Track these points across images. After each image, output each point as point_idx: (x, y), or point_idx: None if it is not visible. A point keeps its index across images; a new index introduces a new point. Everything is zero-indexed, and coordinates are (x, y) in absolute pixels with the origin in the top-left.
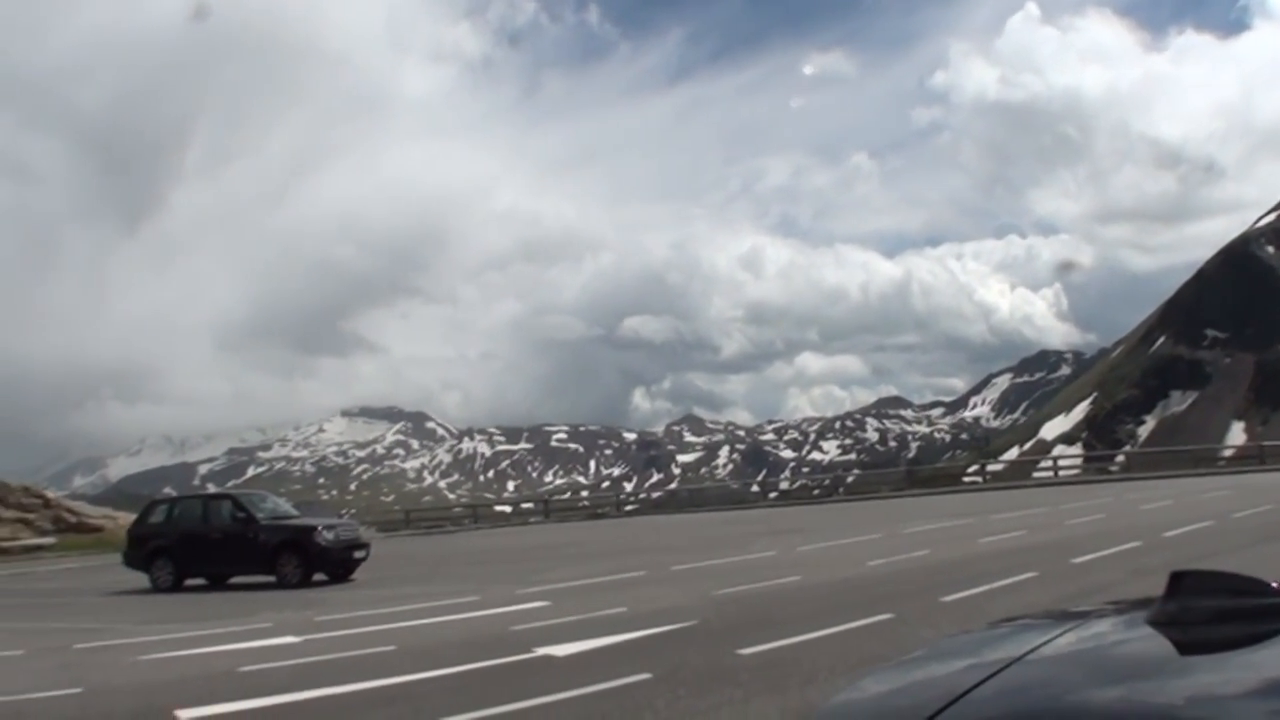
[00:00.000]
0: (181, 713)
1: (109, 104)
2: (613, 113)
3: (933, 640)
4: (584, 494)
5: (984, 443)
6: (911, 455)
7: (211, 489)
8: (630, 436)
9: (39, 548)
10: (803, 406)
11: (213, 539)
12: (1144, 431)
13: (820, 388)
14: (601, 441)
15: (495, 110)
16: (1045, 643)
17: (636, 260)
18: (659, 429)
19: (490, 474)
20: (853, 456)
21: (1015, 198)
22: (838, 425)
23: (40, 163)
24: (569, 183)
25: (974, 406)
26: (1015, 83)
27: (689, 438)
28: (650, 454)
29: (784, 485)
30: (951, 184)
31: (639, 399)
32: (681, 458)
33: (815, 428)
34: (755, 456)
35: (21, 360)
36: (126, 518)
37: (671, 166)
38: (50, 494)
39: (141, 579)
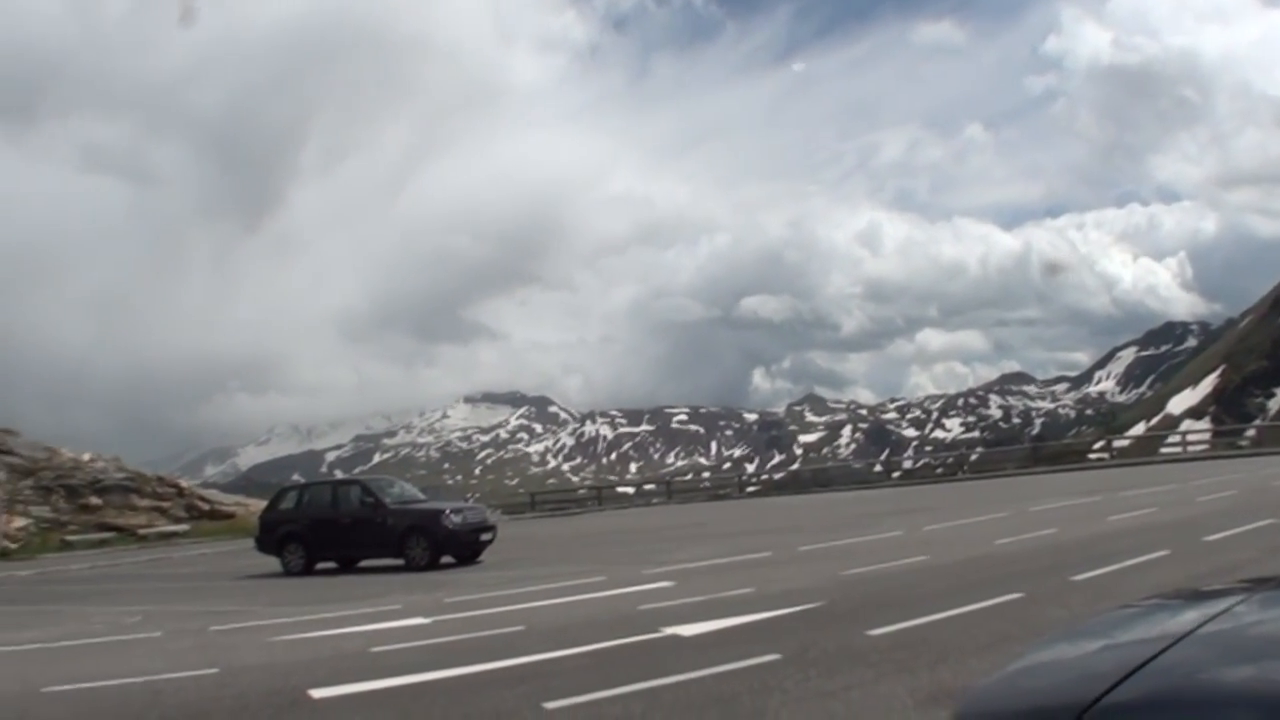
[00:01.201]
0: (315, 692)
1: (228, 106)
2: (723, 93)
3: (1076, 620)
4: (705, 475)
5: (1109, 418)
6: (1035, 432)
7: (339, 475)
8: (751, 417)
9: (174, 534)
10: (924, 384)
11: (342, 524)
12: (1275, 405)
13: (942, 364)
14: (722, 422)
15: (605, 96)
16: (1198, 624)
17: (753, 240)
18: (780, 409)
19: (612, 456)
20: (976, 434)
21: (1135, 164)
22: (960, 402)
23: (164, 165)
24: (682, 165)
25: (1098, 381)
26: (1129, 45)
27: (810, 417)
28: (772, 434)
29: (907, 464)
30: (1069, 152)
31: (759, 379)
32: (803, 438)
33: (938, 405)
34: (878, 435)
35: (153, 355)
36: (257, 505)
37: (784, 144)
38: (184, 483)
39: (273, 563)
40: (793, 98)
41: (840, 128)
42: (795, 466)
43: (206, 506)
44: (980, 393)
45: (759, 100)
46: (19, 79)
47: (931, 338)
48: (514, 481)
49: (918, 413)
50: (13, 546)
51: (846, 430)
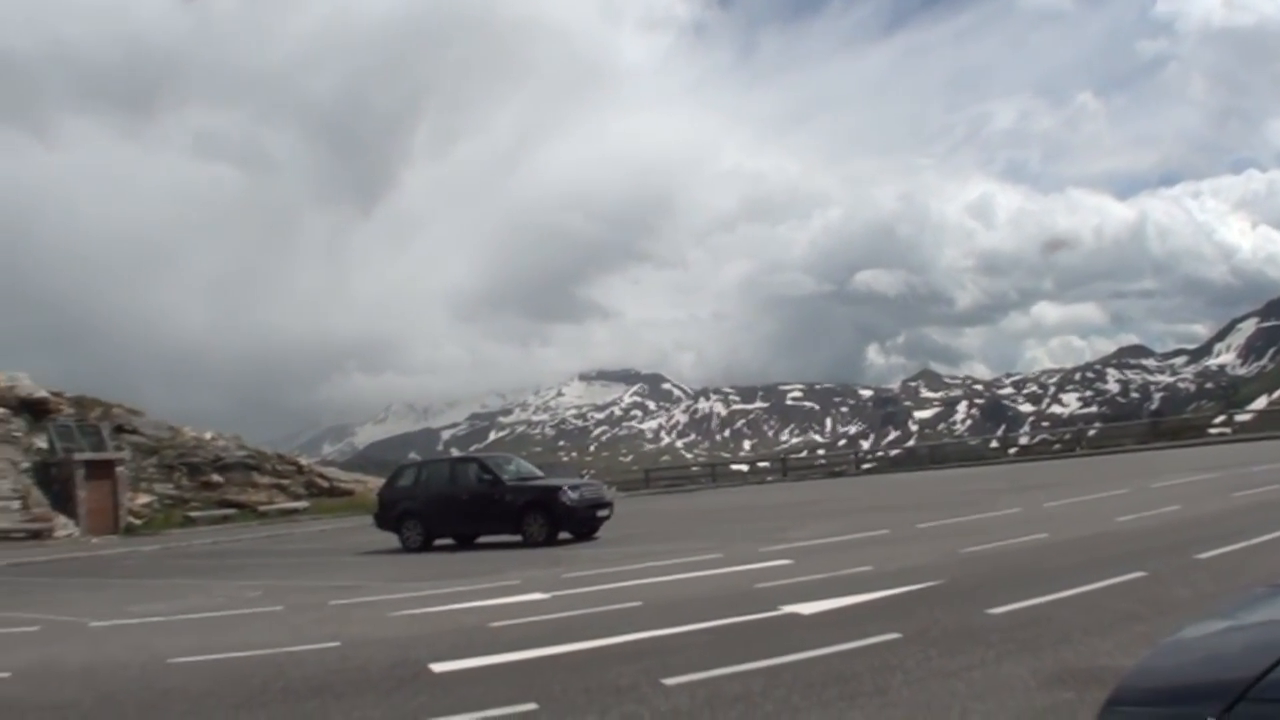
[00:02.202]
0: (435, 666)
1: (340, 91)
2: (830, 66)
3: (1225, 598)
4: (820, 452)
5: (1231, 391)
6: (1154, 407)
7: (455, 453)
8: (866, 393)
9: (294, 511)
10: (1040, 358)
11: (460, 500)
12: None
13: (1058, 338)
14: (837, 399)
15: (713, 73)
16: None
17: (864, 213)
18: (895, 385)
19: (726, 433)
20: (1093, 409)
21: (1252, 130)
22: (1077, 377)
23: (278, 152)
24: (791, 139)
25: (1218, 354)
26: (1242, 6)
27: (925, 393)
28: (886, 411)
29: (1023, 440)
30: (1183, 119)
31: (873, 355)
32: (918, 414)
33: (1054, 380)
34: (994, 411)
35: (271, 336)
36: (375, 482)
37: (894, 117)
38: (303, 461)
39: (392, 539)
40: (901, 69)
41: (949, 99)
42: (911, 443)
43: (326, 484)
44: (1097, 367)
45: (867, 72)
46: (135, 72)
47: (1047, 311)
48: (628, 458)
49: (1034, 388)
50: (137, 522)
51: (962, 406)
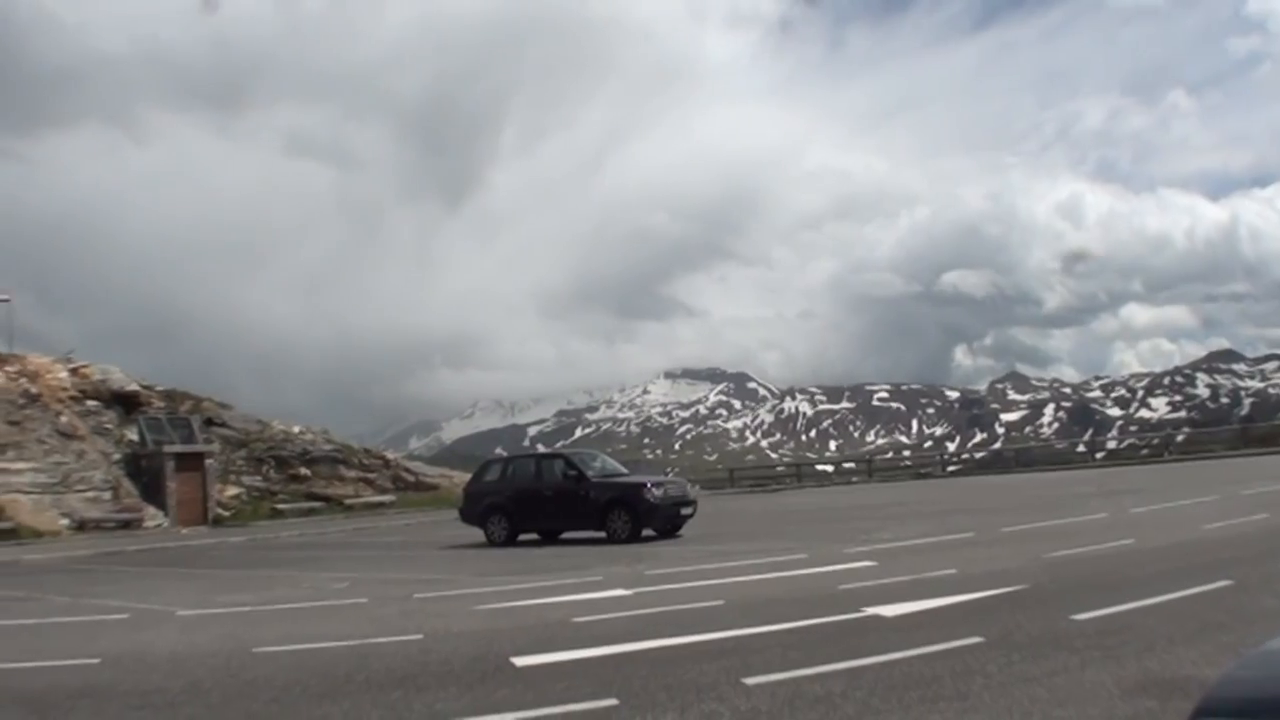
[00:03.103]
0: (518, 660)
1: (427, 89)
2: (918, 64)
3: None
4: (906, 454)
5: None
6: (1245, 412)
7: (540, 449)
8: (953, 395)
9: (380, 505)
10: (1129, 361)
11: (545, 496)
12: None
13: (1147, 341)
14: (923, 400)
15: (799, 70)
16: None
17: (952, 213)
18: (982, 387)
19: (812, 433)
20: (1182, 414)
21: None
22: (1166, 381)
23: (366, 149)
24: (878, 137)
25: None
26: None
27: (1013, 395)
28: (973, 413)
29: (1111, 445)
30: (1276, 118)
31: (960, 356)
32: (1005, 416)
33: (1143, 384)
34: (1081, 415)
35: (359, 333)
36: (461, 477)
37: (982, 115)
38: (390, 455)
39: (477, 534)
40: (989, 67)
41: (1039, 96)
42: (997, 446)
43: (412, 478)
44: (1187, 371)
45: (955, 70)
46: (226, 71)
47: (1136, 313)
48: (713, 457)
49: (1122, 391)
50: (225, 514)
51: (1049, 409)
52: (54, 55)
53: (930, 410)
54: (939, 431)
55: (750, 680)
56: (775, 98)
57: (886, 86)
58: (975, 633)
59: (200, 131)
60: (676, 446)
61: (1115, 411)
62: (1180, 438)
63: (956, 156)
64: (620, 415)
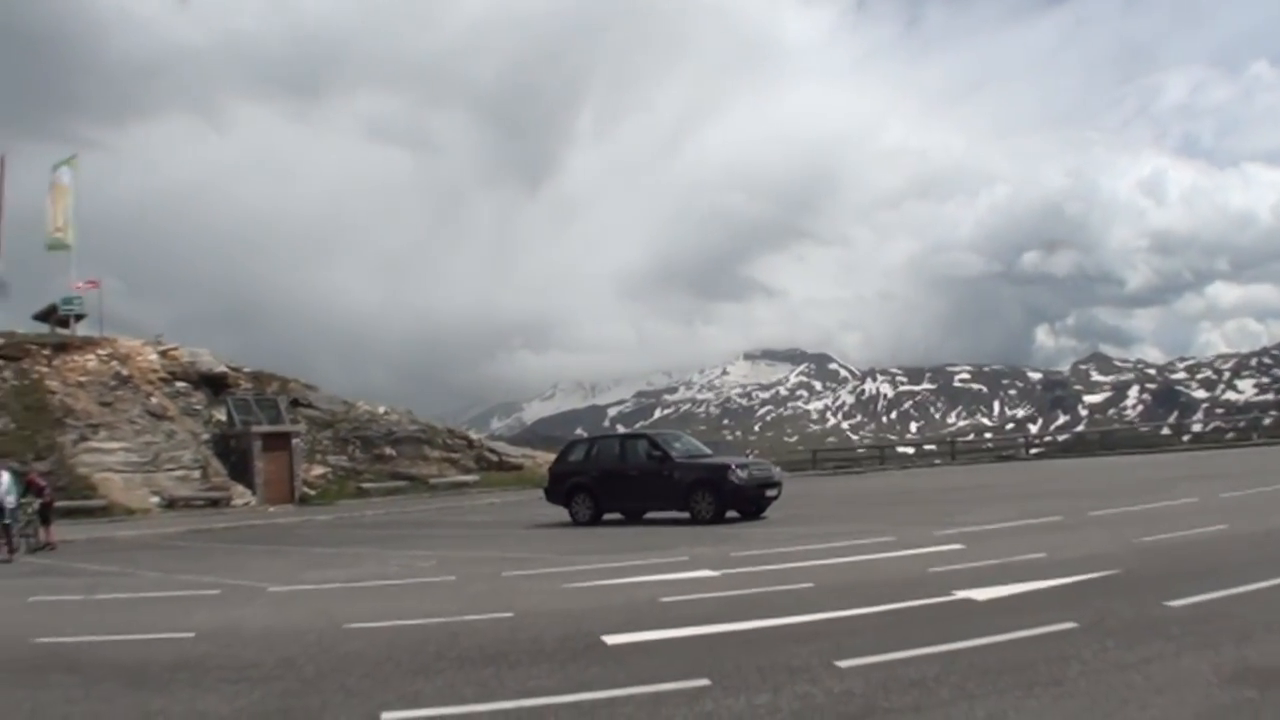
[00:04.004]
0: (608, 638)
1: (504, 74)
2: (996, 39)
3: None
4: (988, 436)
5: None
6: None
7: (622, 430)
8: (1035, 376)
9: (464, 484)
10: (1215, 342)
11: (630, 476)
12: None
13: (1234, 321)
14: (1005, 381)
15: (876, 48)
16: None
17: (1032, 191)
18: (1064, 368)
19: (893, 415)
20: (1270, 396)
21: None
22: (1254, 362)
23: (445, 134)
24: (956, 115)
25: None
26: None
27: (1096, 377)
28: (1055, 394)
29: (1196, 428)
30: None
31: (1042, 336)
32: (1088, 398)
33: (1229, 365)
34: (1166, 397)
35: (440, 316)
36: (543, 457)
37: (1061, 90)
38: (473, 435)
39: (561, 513)
40: (1068, 41)
41: (1119, 71)
42: (1080, 428)
43: (495, 458)
44: (1275, 351)
45: (1034, 44)
46: (306, 59)
47: (1222, 292)
48: (793, 439)
49: (1208, 373)
50: (312, 493)
51: (1133, 391)
52: (137, 48)
53: (1012, 392)
54: (1021, 413)
55: (843, 663)
56: (852, 76)
57: (964, 63)
58: (1068, 618)
59: (281, 119)
60: (756, 428)
61: (1201, 394)
62: (1268, 420)
63: (1036, 133)
64: (700, 396)
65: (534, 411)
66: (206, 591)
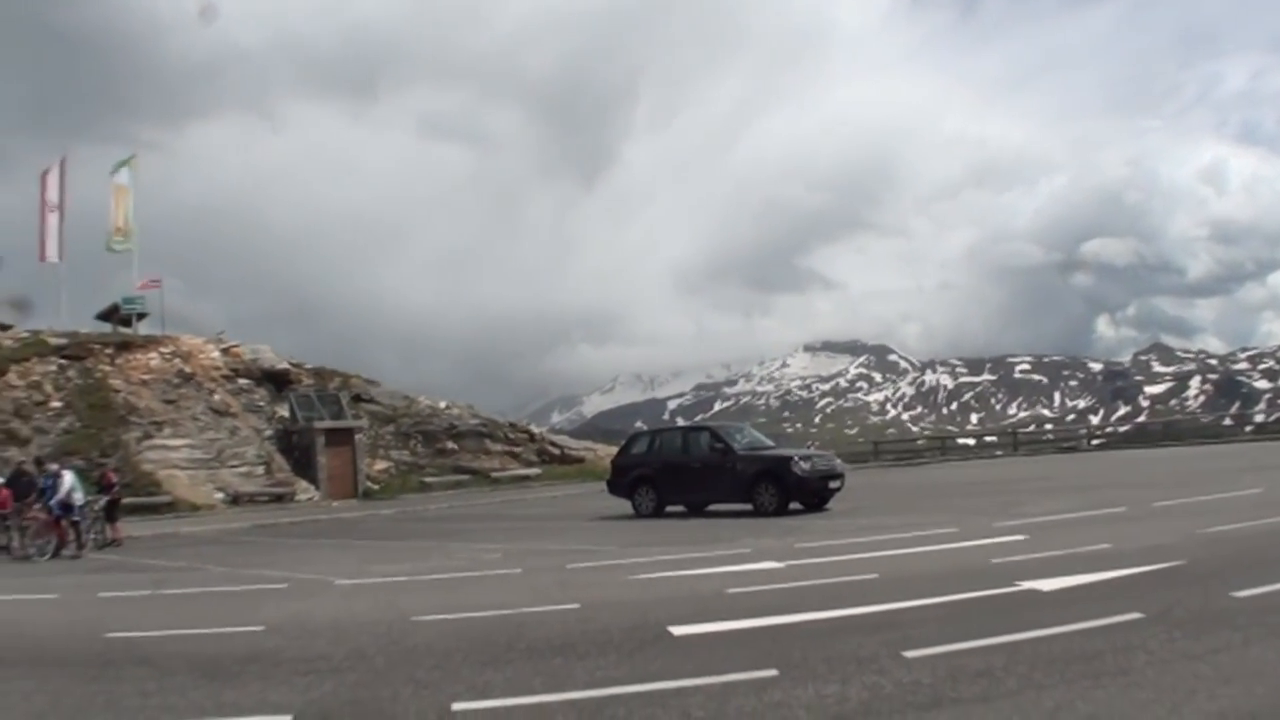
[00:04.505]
0: (675, 629)
1: (559, 68)
2: (1053, 25)
3: None
4: (1048, 427)
5: None
6: None
7: (681, 423)
8: (1096, 367)
9: (526, 478)
10: (1278, 332)
11: (692, 468)
12: None
13: None
14: (1066, 372)
15: (933, 36)
16: None
17: (1091, 179)
18: (1125, 358)
19: (953, 406)
20: None
21: None
22: None
23: (501, 130)
24: (1014, 103)
25: None
26: None
27: (1157, 367)
28: (1116, 385)
29: (1259, 418)
30: None
31: (1103, 327)
32: (1149, 389)
33: None
34: (1228, 387)
35: (499, 310)
36: (604, 450)
37: (1120, 77)
38: (535, 429)
39: (624, 505)
40: (1126, 27)
41: (1179, 57)
42: (1142, 419)
43: (557, 451)
44: None
45: (1091, 32)
46: (360, 57)
47: None
48: (853, 431)
49: (1270, 363)
50: (375, 487)
51: (1194, 381)
52: (194, 50)
53: (1073, 383)
54: (1082, 404)
55: (910, 653)
56: (908, 65)
57: (1021, 50)
58: (1133, 608)
59: (337, 118)
60: (816, 420)
61: (1264, 384)
62: None
63: (1095, 121)
64: (759, 389)
65: (594, 405)
66: (274, 585)
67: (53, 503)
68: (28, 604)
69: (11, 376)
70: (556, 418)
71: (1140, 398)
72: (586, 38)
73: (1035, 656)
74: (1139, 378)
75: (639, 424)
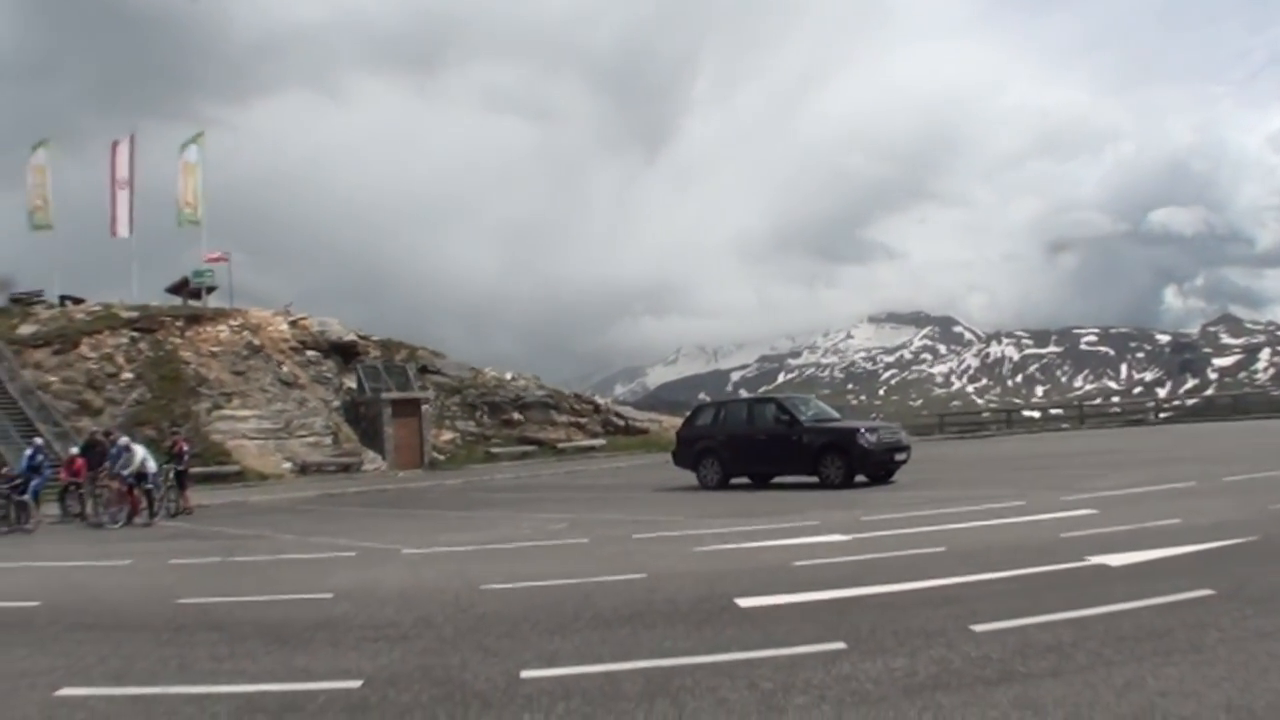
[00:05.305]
0: (741, 601)
1: (620, 41)
2: None
3: None
4: (1115, 399)
5: None
6: None
7: (744, 395)
8: (1163, 338)
9: (590, 448)
10: None
11: (758, 440)
12: None
13: None
14: (1133, 344)
15: (995, 2)
16: None
17: (1158, 147)
18: (1193, 330)
19: (1018, 378)
20: None
21: None
22: None
23: (563, 104)
24: (1079, 70)
25: None
26: None
27: (1226, 339)
28: (1184, 357)
29: None
30: None
31: (1170, 298)
32: (1218, 361)
33: None
34: None
35: (562, 283)
36: (668, 422)
37: (1187, 42)
38: (599, 400)
39: (688, 477)
40: None
41: (1247, 20)
42: (1210, 391)
43: (621, 422)
44: None
45: None
46: (423, 32)
47: None
48: (917, 403)
49: None
50: (441, 457)
51: (1265, 353)
52: (257, 27)
53: (1140, 355)
54: (1149, 377)
55: (978, 627)
56: (971, 32)
57: (1086, 16)
58: (1205, 585)
59: (400, 93)
60: (881, 392)
61: None
62: None
63: (1161, 88)
64: (824, 360)
65: (657, 376)
66: (342, 554)
67: (125, 472)
68: (102, 570)
69: (84, 348)
70: (620, 389)
71: (1208, 370)
72: (648, 9)
73: (1105, 632)
74: (1207, 350)
75: (702, 396)
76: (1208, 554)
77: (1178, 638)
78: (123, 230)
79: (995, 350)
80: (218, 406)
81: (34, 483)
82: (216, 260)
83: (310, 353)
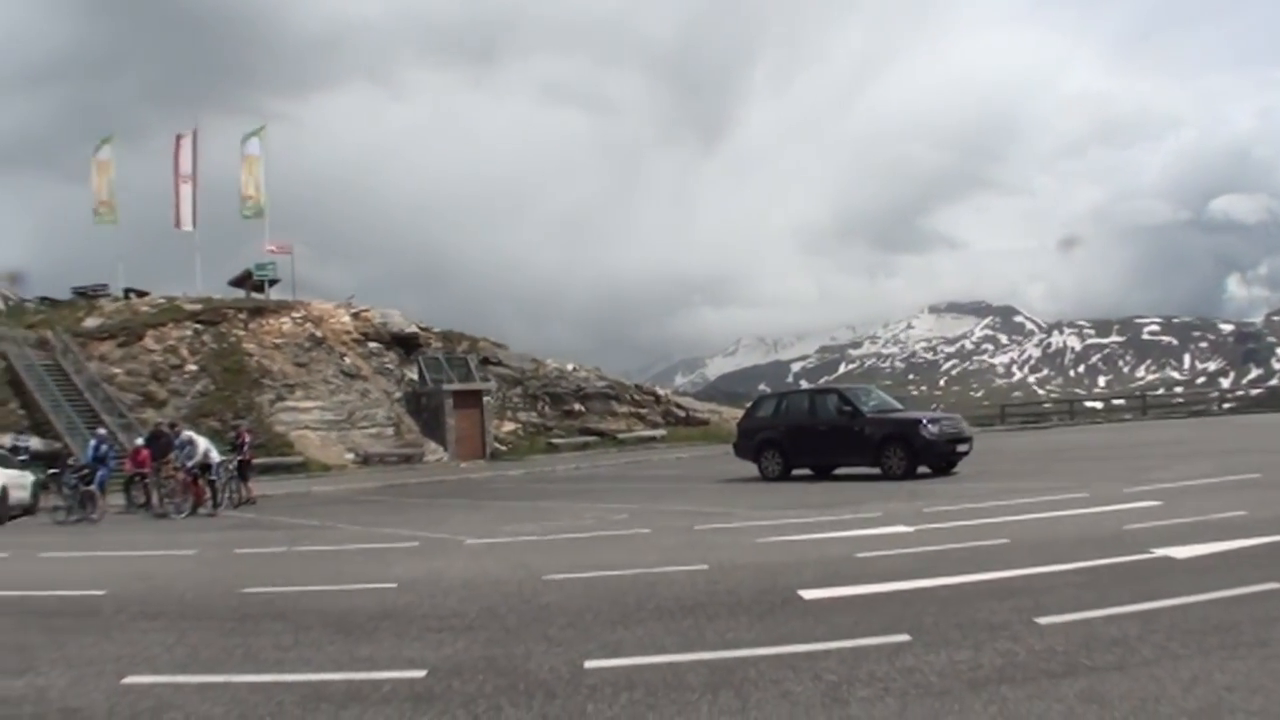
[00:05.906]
0: (805, 593)
1: (677, 32)
2: None
3: None
4: (1178, 390)
5: None
6: None
7: (804, 385)
8: (1226, 328)
9: (651, 439)
10: None
11: (819, 431)
12: None
13: None
14: (1196, 333)
15: None
16: None
17: (1220, 134)
18: (1258, 319)
19: (1080, 369)
20: None
21: None
22: None
23: (621, 95)
24: (1140, 56)
25: None
26: None
27: None
28: (1248, 347)
29: None
30: None
31: (1234, 286)
32: None
33: None
34: None
35: (622, 274)
36: (729, 412)
37: (1250, 27)
38: (660, 391)
39: (749, 468)
40: None
41: None
42: (1274, 382)
43: (682, 413)
44: None
45: None
46: (480, 24)
47: None
48: (979, 393)
49: None
50: (502, 448)
51: None
52: (316, 22)
53: (1203, 344)
54: (1212, 367)
55: (1043, 620)
56: (1031, 19)
57: (1146, 2)
58: (1272, 578)
59: (458, 85)
60: (941, 383)
61: None
62: None
63: (1222, 74)
64: (884, 351)
65: (717, 367)
66: (405, 544)
67: (190, 463)
68: (167, 559)
69: (148, 341)
70: (680, 380)
71: (1273, 360)
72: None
73: (1171, 626)
74: (1271, 339)
75: (762, 386)
76: (1274, 547)
77: (1244, 632)
78: (186, 224)
79: (1057, 340)
80: (280, 398)
81: (100, 473)
82: (279, 252)
83: (372, 344)
